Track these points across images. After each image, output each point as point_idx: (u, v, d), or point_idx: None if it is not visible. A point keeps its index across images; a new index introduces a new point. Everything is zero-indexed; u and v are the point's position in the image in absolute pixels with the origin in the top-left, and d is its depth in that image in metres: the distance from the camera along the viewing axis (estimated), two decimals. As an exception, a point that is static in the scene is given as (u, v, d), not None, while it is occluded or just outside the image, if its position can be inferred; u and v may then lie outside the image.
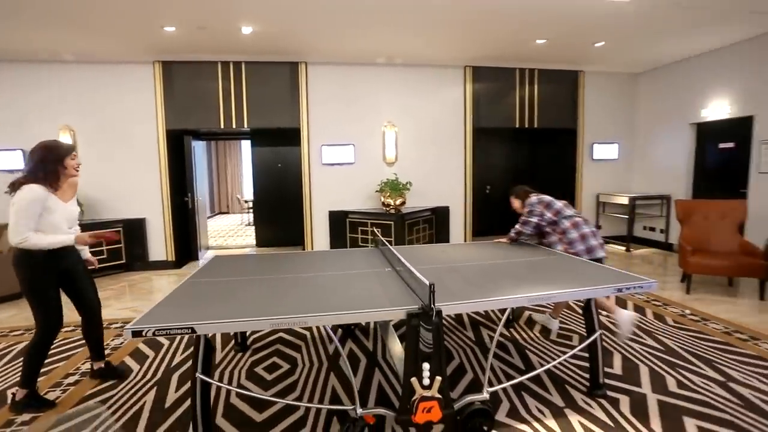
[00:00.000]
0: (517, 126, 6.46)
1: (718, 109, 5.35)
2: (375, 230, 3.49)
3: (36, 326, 2.26)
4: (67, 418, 2.22)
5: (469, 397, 1.97)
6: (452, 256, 3.03)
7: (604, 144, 6.69)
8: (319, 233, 6.07)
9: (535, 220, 3.10)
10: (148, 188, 5.57)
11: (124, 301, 4.32)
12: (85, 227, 4.67)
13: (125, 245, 5.50)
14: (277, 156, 7.17)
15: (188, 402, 2.32)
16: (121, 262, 5.50)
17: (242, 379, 2.63)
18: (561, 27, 4.61)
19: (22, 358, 2.34)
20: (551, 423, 2.08)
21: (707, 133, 5.64)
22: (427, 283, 1.76)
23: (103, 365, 2.61)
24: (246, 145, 13.00)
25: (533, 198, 3.19)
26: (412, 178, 5.98)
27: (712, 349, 2.87)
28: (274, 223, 7.27)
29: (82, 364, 2.86)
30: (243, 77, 5.57)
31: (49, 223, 2.19)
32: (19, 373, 2.35)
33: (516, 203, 3.38)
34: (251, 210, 10.71)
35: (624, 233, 6.48)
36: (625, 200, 6.24)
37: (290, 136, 6.66)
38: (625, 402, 2.24)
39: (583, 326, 3.35)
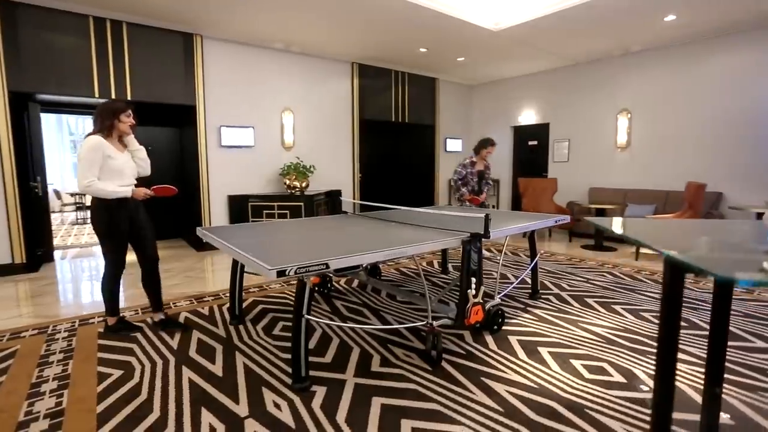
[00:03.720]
0: (393, 120, 7.51)
1: (528, 117, 7.61)
2: (341, 199, 3.83)
3: (106, 264, 2.67)
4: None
5: (492, 302, 2.72)
6: (415, 216, 3.69)
7: (453, 139, 8.43)
8: (218, 220, 5.69)
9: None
10: (-20, 169, 4.15)
11: (7, 312, 3.27)
12: None
13: (-61, 248, 3.97)
14: (145, 137, 6.19)
15: (242, 368, 2.31)
16: (-66, 271, 3.94)
17: (270, 343, 2.66)
18: (441, 40, 5.77)
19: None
20: (524, 315, 3.04)
21: (521, 134, 7.92)
22: (482, 216, 2.42)
23: (163, 316, 2.85)
24: (52, 120, 10.17)
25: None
26: (308, 163, 6.23)
27: (565, 266, 4.45)
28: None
29: (47, 367, 2.30)
30: (124, 40, 4.74)
31: (113, 169, 2.51)
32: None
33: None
34: (80, 207, 8.65)
35: (470, 209, 8.37)
36: (471, 183, 8.07)
37: (164, 114, 5.97)
38: (552, 298, 3.41)
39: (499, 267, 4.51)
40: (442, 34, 5.49)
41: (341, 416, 1.84)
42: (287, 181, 5.95)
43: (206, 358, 2.43)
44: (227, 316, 3.12)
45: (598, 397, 1.98)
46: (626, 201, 6.02)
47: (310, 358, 2.38)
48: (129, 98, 4.83)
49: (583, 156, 6.78)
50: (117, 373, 2.27)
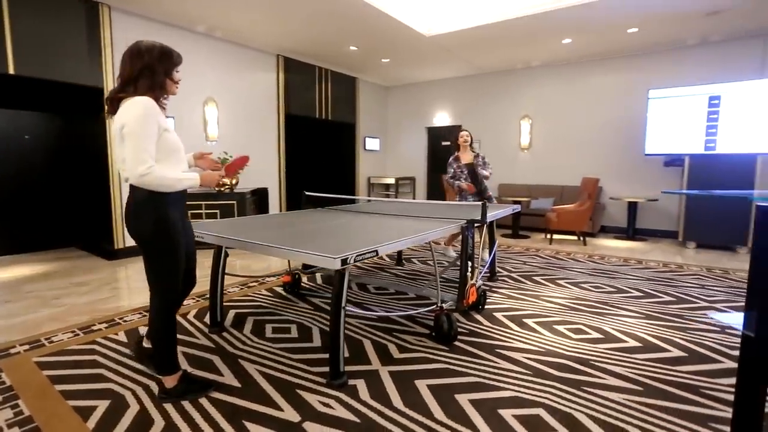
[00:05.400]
0: (317, 117, 7.39)
1: (442, 118, 8.25)
2: (305, 192, 3.70)
3: (156, 296, 1.84)
4: None
5: (477, 284, 2.97)
6: (392, 207, 3.77)
7: (372, 138, 8.65)
8: (130, 223, 4.88)
9: None
10: None
11: None
12: None
13: None
14: (18, 123, 4.99)
15: (258, 375, 2.12)
16: None
17: (270, 346, 2.47)
18: (374, 40, 5.91)
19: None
20: (493, 295, 3.38)
21: (435, 134, 8.53)
22: (480, 202, 2.64)
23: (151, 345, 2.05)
24: None
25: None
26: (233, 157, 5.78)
27: (514, 253, 5.01)
28: (18, 222, 5.04)
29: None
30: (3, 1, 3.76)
31: (171, 146, 1.74)
32: None
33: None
34: None
35: (391, 205, 8.70)
36: (392, 180, 8.41)
37: (49, 96, 4.95)
38: (507, 279, 3.84)
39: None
40: (378, 34, 5.63)
41: (397, 403, 1.86)
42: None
43: (209, 371, 2.15)
44: (199, 324, 2.78)
45: (592, 351, 2.36)
46: (530, 195, 7.00)
47: (327, 355, 2.31)
48: (12, 72, 3.86)
49: (492, 155, 7.61)
50: (103, 404, 1.87)
